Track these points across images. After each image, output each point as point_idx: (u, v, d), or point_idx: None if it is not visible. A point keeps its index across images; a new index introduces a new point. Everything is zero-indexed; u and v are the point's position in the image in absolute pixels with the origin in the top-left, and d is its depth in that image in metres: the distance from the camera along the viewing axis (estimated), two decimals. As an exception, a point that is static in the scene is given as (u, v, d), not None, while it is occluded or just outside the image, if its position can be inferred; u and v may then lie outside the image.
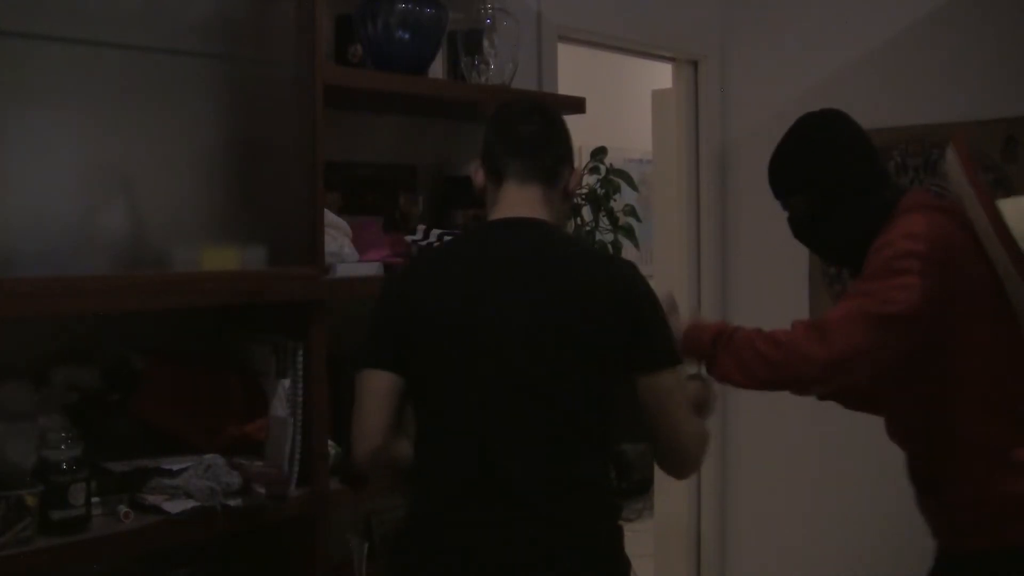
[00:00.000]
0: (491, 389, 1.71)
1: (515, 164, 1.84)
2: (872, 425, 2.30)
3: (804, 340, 1.92)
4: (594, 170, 2.78)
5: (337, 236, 2.26)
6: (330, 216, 2.25)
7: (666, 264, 4.00)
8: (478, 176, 1.90)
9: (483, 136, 1.92)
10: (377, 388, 1.77)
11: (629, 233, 2.80)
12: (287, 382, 2.14)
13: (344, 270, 2.25)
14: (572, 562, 1.68)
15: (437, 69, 2.58)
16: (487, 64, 2.60)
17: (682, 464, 1.84)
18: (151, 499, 1.95)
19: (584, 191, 2.78)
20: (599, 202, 2.76)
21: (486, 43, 2.60)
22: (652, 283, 4.43)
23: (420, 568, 1.73)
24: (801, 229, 2.18)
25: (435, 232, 2.42)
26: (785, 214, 2.21)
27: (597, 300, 1.73)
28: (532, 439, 1.70)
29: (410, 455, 1.80)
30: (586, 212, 2.77)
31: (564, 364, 1.71)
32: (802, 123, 2.19)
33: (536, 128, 1.87)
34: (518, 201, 1.83)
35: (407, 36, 2.38)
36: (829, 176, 2.10)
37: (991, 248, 1.99)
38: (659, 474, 4.16)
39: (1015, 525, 1.94)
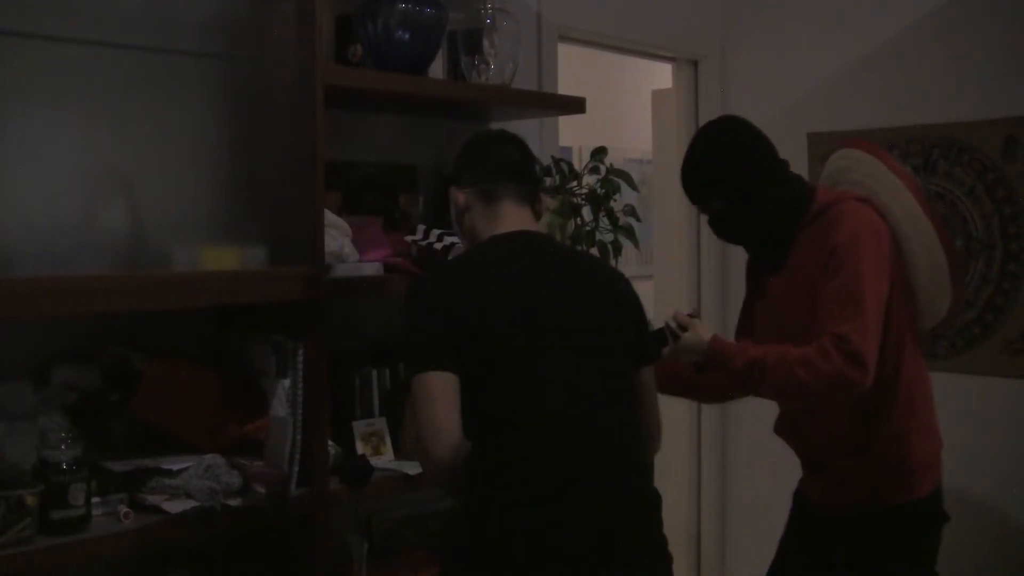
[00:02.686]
0: (566, 376, 1.84)
1: (510, 186, 2.00)
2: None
3: (847, 368, 2.07)
4: (594, 170, 2.78)
5: (337, 236, 2.26)
6: (330, 216, 2.25)
7: (666, 264, 4.00)
8: (460, 197, 2.02)
9: (458, 162, 2.06)
10: (444, 387, 1.81)
11: (629, 233, 2.79)
12: (287, 382, 2.14)
13: (344, 270, 2.25)
14: (657, 526, 1.89)
15: (437, 69, 2.58)
16: (487, 64, 2.60)
17: (652, 442, 2.04)
18: (151, 499, 1.95)
19: (584, 191, 2.78)
20: (599, 202, 2.75)
21: (486, 43, 2.60)
22: (652, 283, 4.43)
23: (539, 550, 1.75)
24: (723, 226, 2.39)
25: (435, 232, 2.42)
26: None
27: (621, 296, 1.98)
28: (611, 413, 1.87)
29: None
30: (586, 212, 2.77)
31: (613, 351, 1.92)
32: (706, 131, 2.40)
33: (519, 154, 2.06)
34: (519, 217, 2.00)
35: (407, 36, 2.38)
36: (742, 173, 2.30)
37: (916, 230, 2.26)
38: (659, 474, 4.17)
39: (927, 477, 2.31)
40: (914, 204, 2.27)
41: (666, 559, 1.88)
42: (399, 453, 2.43)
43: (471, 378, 1.82)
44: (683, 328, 2.30)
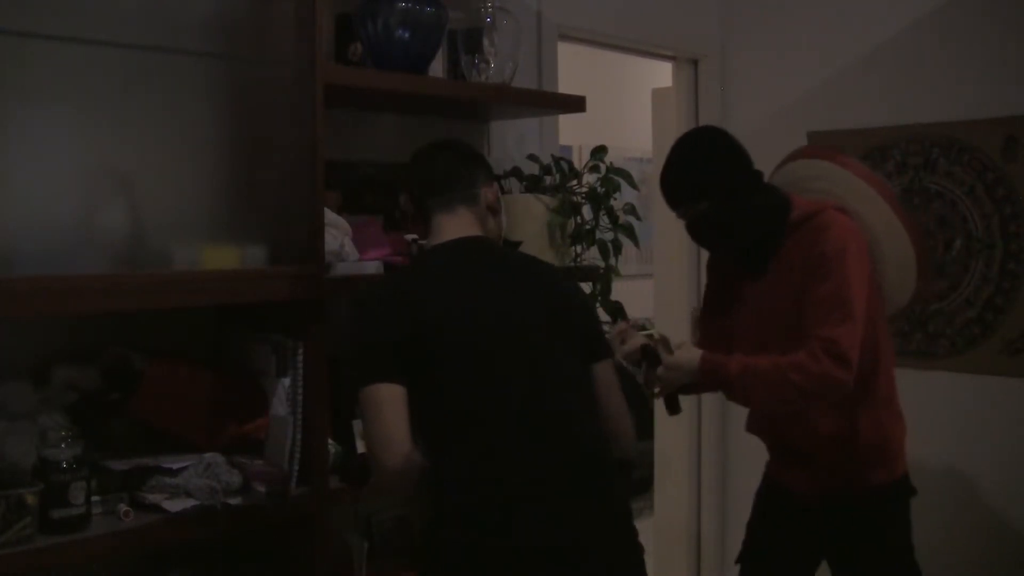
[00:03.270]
0: (520, 376, 1.86)
1: (440, 199, 2.04)
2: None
3: (834, 370, 2.18)
4: (594, 169, 2.78)
5: (337, 235, 2.26)
6: (330, 215, 2.25)
7: (666, 263, 4.00)
8: (407, 204, 2.10)
9: (405, 177, 2.13)
10: (393, 398, 1.83)
11: (629, 232, 2.79)
12: (287, 381, 2.15)
13: (344, 269, 2.25)
14: (626, 519, 1.92)
15: (437, 68, 2.58)
16: (487, 63, 2.60)
17: (624, 437, 2.06)
18: (151, 498, 1.95)
19: (584, 189, 2.78)
20: (599, 201, 2.75)
21: (486, 42, 2.60)
22: (652, 282, 4.43)
23: (501, 552, 1.76)
24: (705, 232, 2.43)
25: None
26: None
27: (564, 295, 2.03)
28: (569, 410, 1.89)
29: (424, 463, 1.84)
30: (586, 211, 2.77)
31: (564, 347, 1.94)
32: (690, 138, 2.46)
33: (448, 163, 2.08)
34: (452, 226, 2.03)
35: (407, 35, 2.38)
36: (727, 181, 2.35)
37: (888, 233, 2.39)
38: (659, 473, 4.17)
39: (901, 458, 2.43)
40: (887, 209, 2.40)
41: (638, 551, 1.91)
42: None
43: (423, 387, 1.84)
44: (667, 349, 2.39)
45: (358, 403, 1.87)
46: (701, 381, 2.35)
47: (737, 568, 2.64)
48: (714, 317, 2.59)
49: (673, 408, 2.48)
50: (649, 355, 2.39)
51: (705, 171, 2.36)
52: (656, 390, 2.42)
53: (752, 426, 2.60)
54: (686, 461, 3.94)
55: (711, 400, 3.88)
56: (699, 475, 3.94)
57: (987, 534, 3.25)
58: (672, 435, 3.99)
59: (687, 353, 2.35)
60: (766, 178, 2.47)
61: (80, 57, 1.96)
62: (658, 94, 4.04)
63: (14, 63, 1.87)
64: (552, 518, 1.78)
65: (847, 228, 2.31)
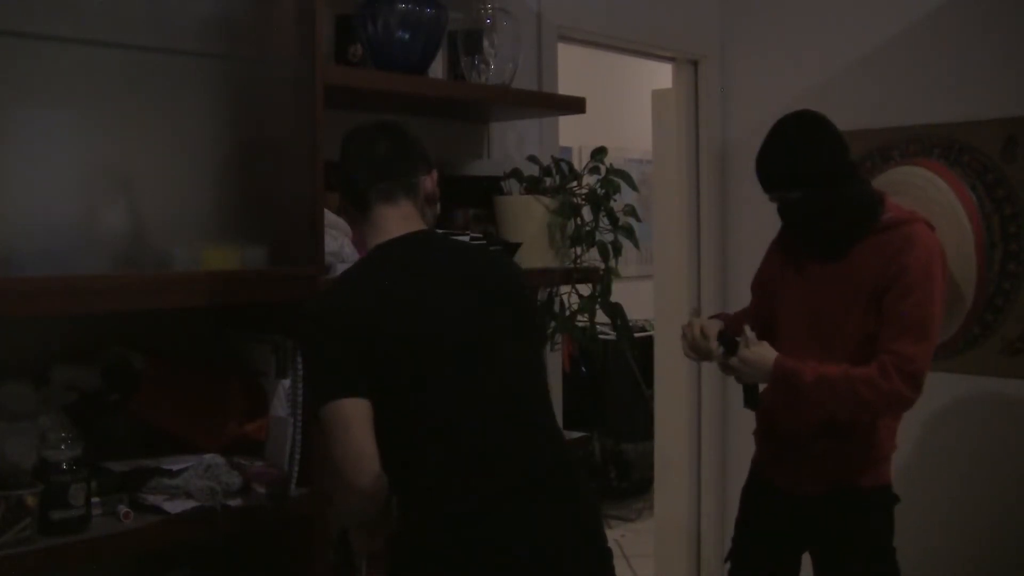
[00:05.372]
0: (482, 378, 1.81)
1: (380, 186, 1.92)
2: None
3: (904, 389, 2.22)
4: (594, 170, 2.78)
5: (337, 236, 2.26)
6: (330, 216, 2.25)
7: (666, 264, 4.00)
8: (343, 195, 2.01)
9: (339, 164, 1.99)
10: (358, 413, 1.74)
11: (629, 233, 2.79)
12: (287, 382, 2.14)
13: (344, 270, 2.25)
14: (596, 519, 1.90)
15: (437, 69, 2.58)
16: (487, 64, 2.60)
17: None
18: (151, 499, 1.95)
19: (584, 191, 2.78)
20: (599, 202, 2.76)
21: (486, 43, 2.60)
22: (652, 283, 4.43)
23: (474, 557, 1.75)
24: (795, 218, 2.40)
25: (435, 232, 2.42)
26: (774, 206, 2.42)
27: (513, 284, 1.96)
28: (534, 408, 1.87)
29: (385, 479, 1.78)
30: (586, 212, 2.77)
31: (528, 345, 1.92)
32: (794, 122, 2.39)
33: (385, 148, 1.95)
34: (395, 219, 1.92)
35: (407, 36, 2.38)
36: (825, 170, 2.32)
37: (960, 271, 2.50)
38: (659, 473, 4.18)
39: (887, 468, 2.43)
40: (970, 244, 2.44)
41: (607, 554, 1.90)
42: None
43: (384, 398, 1.76)
44: (745, 342, 2.37)
45: (320, 422, 1.77)
46: (772, 384, 2.35)
47: (727, 567, 2.65)
48: (762, 286, 2.59)
49: (751, 401, 2.48)
50: (726, 341, 2.40)
51: (805, 160, 2.33)
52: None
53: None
54: (686, 461, 3.93)
55: (711, 400, 3.88)
56: (699, 475, 3.94)
57: (986, 535, 3.25)
58: (672, 435, 3.99)
59: (763, 352, 2.35)
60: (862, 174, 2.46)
61: (80, 58, 1.96)
62: (658, 95, 4.04)
63: (14, 63, 1.87)
64: (531, 525, 1.76)
65: (935, 246, 2.31)
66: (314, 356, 1.82)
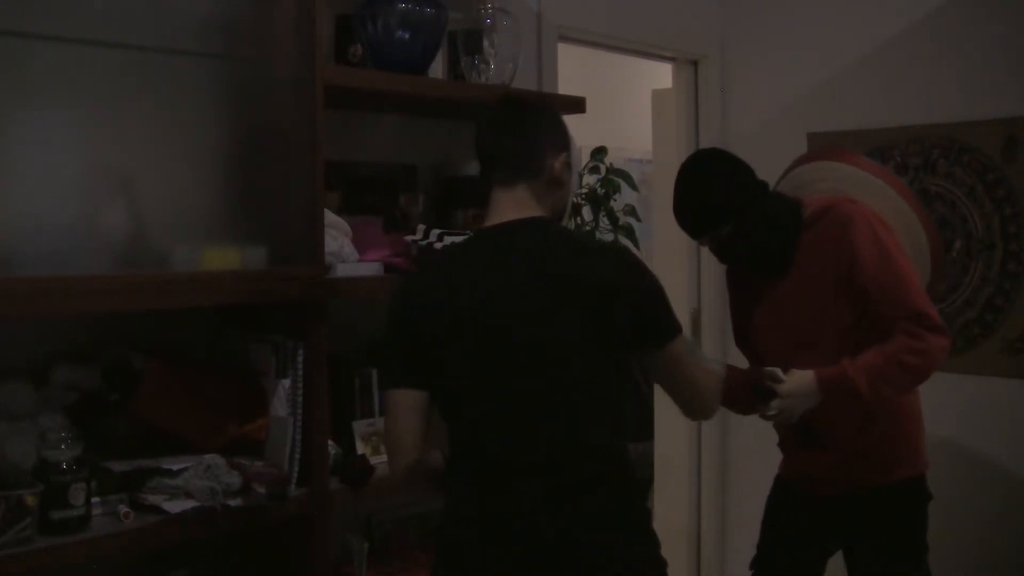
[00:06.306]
0: (517, 384, 1.78)
1: (496, 169, 1.86)
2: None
3: (938, 339, 2.28)
4: (594, 170, 2.78)
5: (337, 236, 2.26)
6: (330, 216, 2.24)
7: (666, 264, 3.99)
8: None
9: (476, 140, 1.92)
10: (406, 406, 1.83)
11: (629, 233, 2.80)
12: (287, 382, 2.14)
13: (344, 270, 2.25)
14: (611, 533, 1.78)
15: (437, 69, 2.58)
16: (487, 64, 2.60)
17: (704, 408, 1.99)
18: (151, 499, 1.95)
19: (584, 191, 2.78)
20: (599, 202, 2.76)
21: (486, 43, 2.60)
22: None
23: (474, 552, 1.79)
24: (733, 252, 2.43)
25: (435, 232, 2.42)
26: None
27: (593, 290, 1.76)
28: (568, 422, 1.79)
29: (442, 464, 1.86)
30: (586, 212, 2.78)
31: (584, 354, 1.77)
32: (694, 167, 2.42)
33: (507, 124, 1.88)
34: (507, 204, 1.84)
35: (407, 36, 2.38)
36: (741, 199, 2.34)
37: (902, 223, 2.41)
38: (659, 474, 4.17)
39: (923, 456, 2.46)
40: (898, 199, 2.43)
41: (649, 545, 1.85)
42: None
43: (442, 388, 1.82)
44: (775, 380, 2.31)
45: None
46: (825, 398, 2.30)
47: (737, 568, 2.64)
48: (739, 318, 2.58)
49: (808, 441, 2.43)
50: (760, 392, 2.32)
51: (725, 192, 2.35)
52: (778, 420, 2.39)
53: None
54: (686, 461, 3.93)
55: (711, 401, 3.87)
56: (699, 475, 3.94)
57: (988, 534, 3.25)
58: (672, 435, 3.99)
59: (798, 377, 2.30)
60: (771, 187, 2.47)
61: (80, 58, 1.96)
62: (658, 95, 4.04)
63: (15, 64, 1.87)
64: (554, 516, 1.76)
65: (866, 212, 2.35)
66: (384, 339, 1.90)
